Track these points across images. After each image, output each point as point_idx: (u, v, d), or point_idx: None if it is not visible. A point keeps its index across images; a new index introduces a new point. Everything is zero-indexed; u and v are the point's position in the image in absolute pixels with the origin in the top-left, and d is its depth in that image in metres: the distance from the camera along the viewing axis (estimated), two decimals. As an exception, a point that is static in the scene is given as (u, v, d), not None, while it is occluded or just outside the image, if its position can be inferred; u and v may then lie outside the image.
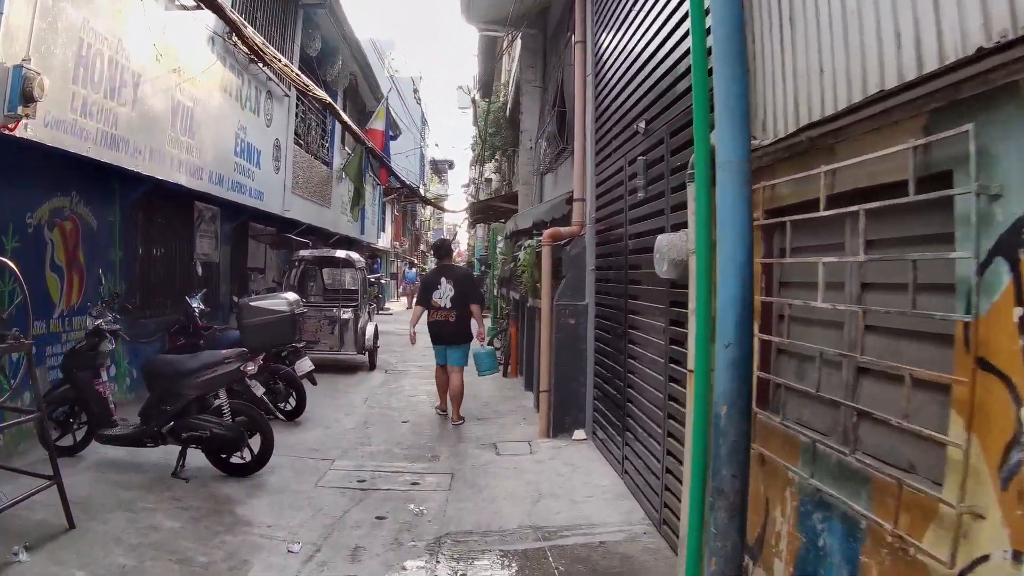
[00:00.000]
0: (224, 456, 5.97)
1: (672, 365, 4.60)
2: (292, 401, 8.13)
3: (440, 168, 55.44)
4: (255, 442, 6.02)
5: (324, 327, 11.39)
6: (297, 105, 12.87)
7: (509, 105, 14.91)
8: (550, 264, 7.46)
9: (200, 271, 8.75)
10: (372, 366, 12.06)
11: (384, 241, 27.92)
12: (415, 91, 29.98)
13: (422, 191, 41.02)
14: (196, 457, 5.90)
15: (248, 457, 6.02)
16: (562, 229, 7.63)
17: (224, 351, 6.12)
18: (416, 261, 45.87)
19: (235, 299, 9.80)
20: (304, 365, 8.03)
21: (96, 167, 6.81)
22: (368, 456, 6.97)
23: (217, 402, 5.98)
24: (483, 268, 27.29)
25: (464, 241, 59.09)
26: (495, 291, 19.08)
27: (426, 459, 6.92)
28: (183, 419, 5.85)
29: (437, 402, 8.84)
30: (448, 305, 8.05)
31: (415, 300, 9.25)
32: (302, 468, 6.43)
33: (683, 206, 4.45)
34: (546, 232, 7.55)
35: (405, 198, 33.21)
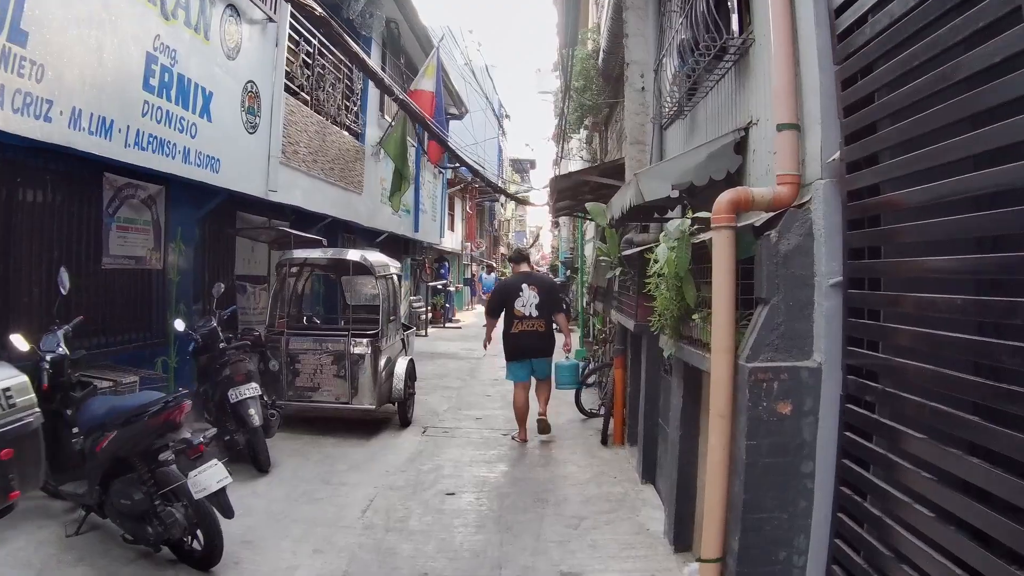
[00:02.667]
0: None
1: None
2: (201, 537, 4.19)
3: (521, 167, 51.95)
4: None
5: (325, 367, 7.43)
6: (297, 42, 9.02)
7: (602, 49, 10.61)
8: (731, 273, 3.20)
9: (66, 286, 4.94)
10: (404, 422, 8.04)
11: (452, 242, 24.07)
12: (479, 57, 25.99)
13: (499, 201, 37.14)
14: None
15: None
16: (754, 191, 3.35)
17: None
18: (495, 265, 41.93)
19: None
20: (205, 480, 4.02)
21: None
22: None
23: None
24: (568, 272, 23.10)
25: (548, 243, 55.23)
26: (583, 301, 14.86)
27: None
28: None
29: (486, 505, 5.57)
30: (535, 314, 7.29)
31: (487, 310, 8.09)
32: None
33: None
34: (724, 199, 3.30)
35: (479, 193, 29.35)
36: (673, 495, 4.59)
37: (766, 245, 3.19)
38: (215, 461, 4.17)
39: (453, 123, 18.12)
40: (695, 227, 3.55)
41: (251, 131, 7.74)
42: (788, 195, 3.31)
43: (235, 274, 9.36)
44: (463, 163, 14.27)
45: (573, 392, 8.65)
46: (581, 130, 12.01)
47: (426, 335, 18.20)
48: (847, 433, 3.00)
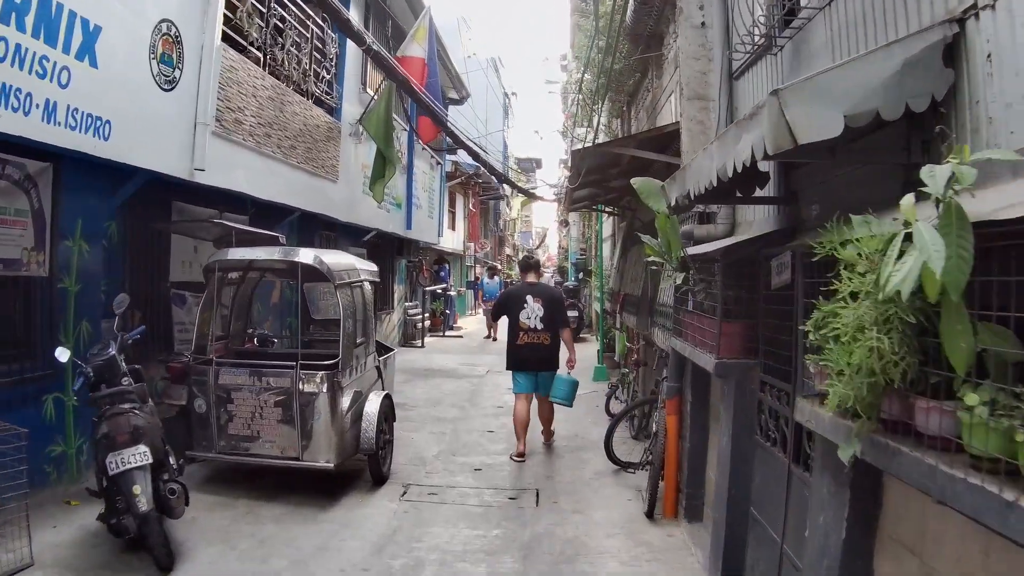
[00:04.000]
0: None
1: None
2: None
3: (526, 167, 50.06)
4: None
5: (267, 409, 5.46)
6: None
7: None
8: None
9: None
10: (378, 479, 6.03)
11: (453, 242, 22.06)
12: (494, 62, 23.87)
13: (505, 198, 35.11)
14: None
15: None
16: None
17: None
18: (500, 266, 39.68)
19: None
20: None
21: None
22: None
23: None
24: (580, 276, 21.10)
25: (554, 244, 53.12)
26: (600, 308, 12.87)
27: None
28: None
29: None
30: (540, 327, 6.97)
31: (491, 313, 8.32)
32: None
33: None
34: None
35: (483, 190, 27.34)
36: None
37: None
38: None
39: (452, 111, 16.05)
40: (963, 186, 1.51)
41: (167, 87, 5.72)
42: None
43: (170, 281, 7.36)
44: (460, 144, 12.15)
45: (603, 435, 6.65)
46: (602, 106, 9.92)
47: (422, 346, 16.19)
48: None
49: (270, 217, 9.44)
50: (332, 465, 5.42)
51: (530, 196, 22.58)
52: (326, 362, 5.50)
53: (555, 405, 7.26)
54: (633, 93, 9.19)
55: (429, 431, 8.07)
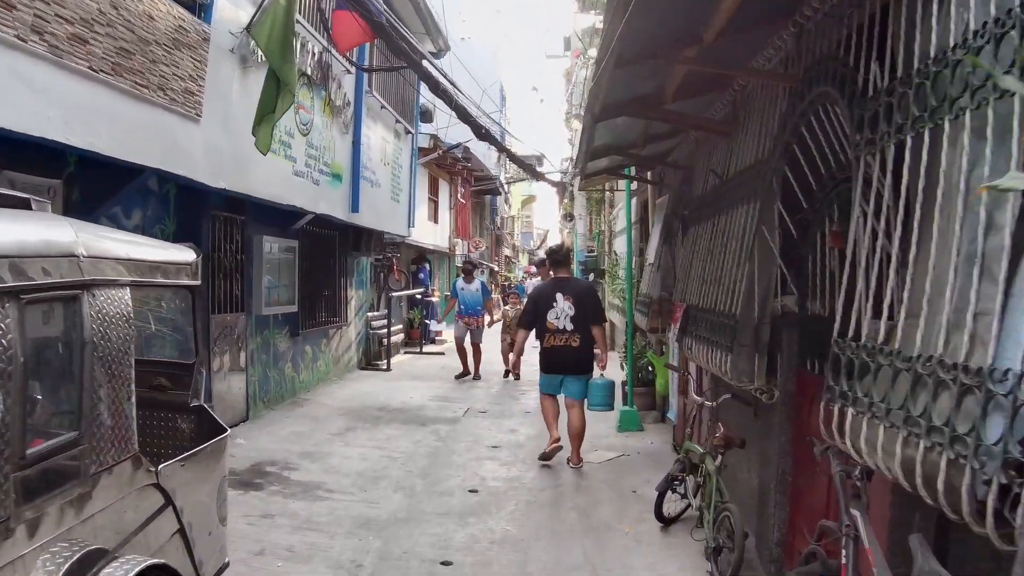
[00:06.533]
0: None
1: None
2: None
3: (527, 164, 46.51)
4: None
5: None
6: None
7: None
8: None
9: None
10: None
11: (435, 237, 18.30)
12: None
13: (502, 191, 31.42)
14: None
15: None
16: None
17: None
18: (498, 268, 35.86)
19: None
20: None
21: None
22: None
23: None
24: (588, 278, 17.44)
25: (555, 241, 49.53)
26: (629, 321, 9.17)
27: None
28: None
29: None
30: (569, 327, 6.50)
31: (518, 321, 7.46)
32: None
33: None
34: None
35: (476, 179, 23.65)
36: None
37: None
38: None
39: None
40: None
41: None
42: None
43: None
44: (409, 60, 7.97)
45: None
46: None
47: (388, 369, 12.42)
48: None
49: (109, 180, 5.84)
50: None
51: (531, 172, 19.02)
52: None
53: (586, 415, 6.74)
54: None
55: (335, 557, 4.35)
